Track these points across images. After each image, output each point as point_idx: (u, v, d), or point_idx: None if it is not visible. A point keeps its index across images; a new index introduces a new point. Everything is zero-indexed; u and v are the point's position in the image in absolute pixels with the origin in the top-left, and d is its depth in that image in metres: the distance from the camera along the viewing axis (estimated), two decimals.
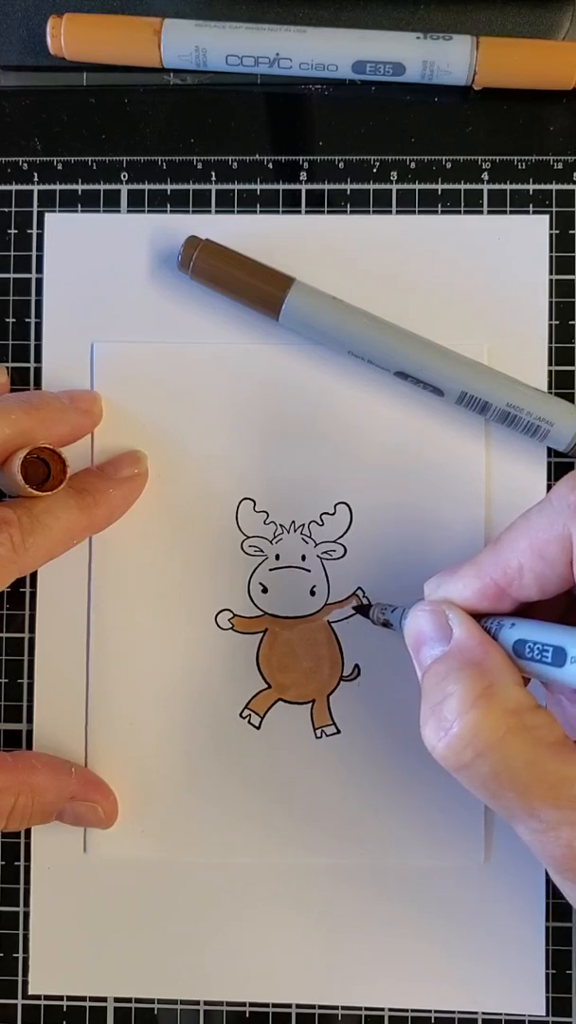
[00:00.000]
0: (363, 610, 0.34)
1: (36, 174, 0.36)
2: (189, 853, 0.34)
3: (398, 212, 0.35)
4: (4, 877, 0.35)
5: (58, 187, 0.36)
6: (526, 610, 0.28)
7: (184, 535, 0.35)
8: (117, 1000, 0.34)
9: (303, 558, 0.35)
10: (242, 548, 0.35)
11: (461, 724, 0.25)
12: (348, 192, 0.35)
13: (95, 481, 0.33)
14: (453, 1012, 0.34)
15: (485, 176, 0.35)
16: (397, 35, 0.34)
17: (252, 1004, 0.34)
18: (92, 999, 0.34)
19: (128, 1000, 0.34)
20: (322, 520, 0.35)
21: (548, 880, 0.34)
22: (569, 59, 0.34)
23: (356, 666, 0.34)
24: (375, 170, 0.35)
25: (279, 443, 0.35)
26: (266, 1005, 0.34)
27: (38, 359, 0.36)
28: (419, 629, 0.28)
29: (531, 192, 0.35)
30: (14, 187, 0.36)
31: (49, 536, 0.31)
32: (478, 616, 0.27)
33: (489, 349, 0.34)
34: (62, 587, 0.35)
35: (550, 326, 0.35)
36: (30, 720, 0.35)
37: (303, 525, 0.35)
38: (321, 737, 0.34)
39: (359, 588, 0.34)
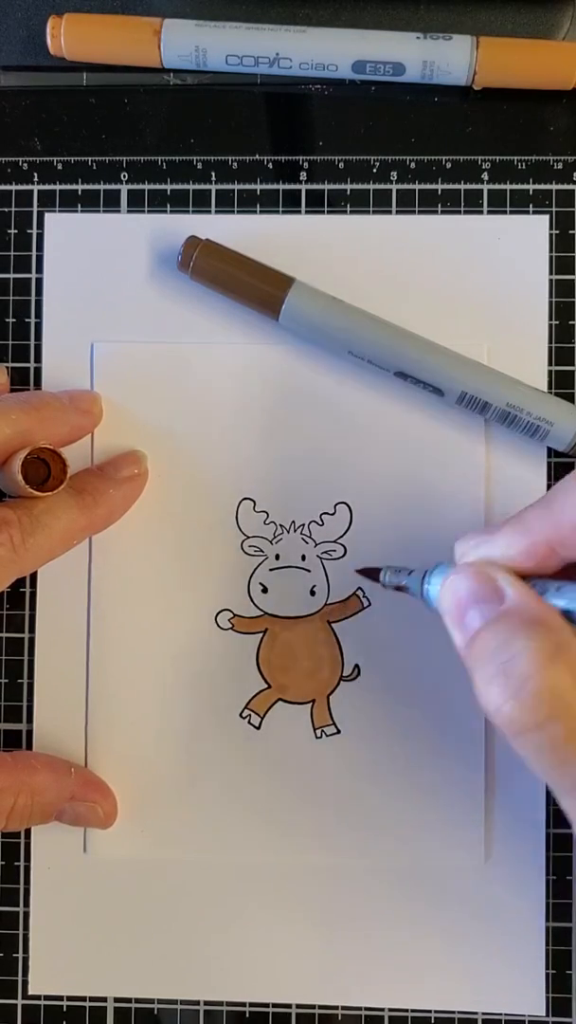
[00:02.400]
0: (371, 572, 0.31)
1: (36, 174, 0.36)
2: (189, 853, 0.34)
3: (398, 212, 0.35)
4: (4, 877, 0.35)
5: (58, 187, 0.36)
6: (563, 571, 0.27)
7: (184, 535, 0.35)
8: (117, 1000, 0.34)
9: (303, 558, 0.35)
10: (242, 548, 0.35)
11: (537, 682, 0.23)
12: (348, 192, 0.35)
13: (95, 481, 0.33)
14: (453, 1012, 0.34)
15: (485, 176, 0.35)
16: (397, 35, 0.34)
17: (252, 1004, 0.34)
18: (92, 999, 0.34)
19: (128, 1000, 0.34)
20: (322, 520, 0.35)
21: (548, 880, 0.34)
22: (569, 59, 0.34)
23: (356, 666, 0.34)
24: (375, 170, 0.35)
25: (279, 443, 0.35)
26: (266, 1005, 0.34)
27: (38, 359, 0.36)
28: (463, 591, 0.26)
29: (531, 192, 0.35)
30: (14, 187, 0.36)
31: (49, 536, 0.31)
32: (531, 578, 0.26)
33: (489, 349, 0.34)
34: (62, 587, 0.35)
35: (550, 326, 0.35)
36: (30, 720, 0.35)
37: (303, 525, 0.35)
38: (321, 737, 0.34)
39: (359, 588, 0.34)
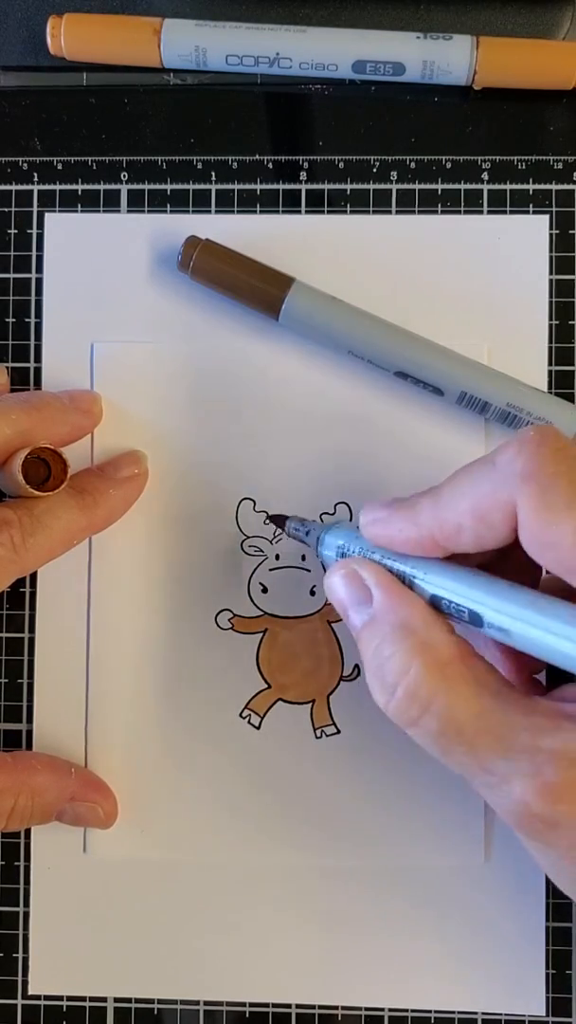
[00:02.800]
0: (278, 520, 0.33)
1: (36, 174, 0.36)
2: (189, 853, 0.34)
3: (398, 212, 0.35)
4: (4, 877, 0.35)
5: (58, 187, 0.36)
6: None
7: (184, 535, 0.35)
8: (117, 1000, 0.34)
9: (303, 558, 0.35)
10: (242, 548, 0.35)
11: (404, 685, 0.25)
12: (348, 192, 0.35)
13: (95, 481, 0.33)
14: (453, 1012, 0.34)
15: (485, 176, 0.35)
16: (397, 35, 0.34)
17: (252, 1004, 0.34)
18: (92, 999, 0.34)
19: (128, 1000, 0.34)
20: (322, 520, 0.35)
21: (548, 880, 0.34)
22: (569, 59, 0.34)
23: (356, 666, 0.34)
24: (375, 170, 0.35)
25: (279, 443, 0.35)
26: (266, 1005, 0.34)
27: (38, 359, 0.36)
28: (340, 595, 0.28)
29: (531, 192, 0.35)
30: (14, 187, 0.36)
31: (49, 536, 0.31)
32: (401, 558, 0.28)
33: (489, 349, 0.34)
34: (62, 587, 0.35)
35: (550, 326, 0.35)
36: (30, 720, 0.35)
37: None
38: (321, 737, 0.34)
39: None
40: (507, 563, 0.28)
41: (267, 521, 0.34)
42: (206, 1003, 0.34)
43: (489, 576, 0.26)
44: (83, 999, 0.34)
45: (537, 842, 0.25)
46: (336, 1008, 0.34)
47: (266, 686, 0.35)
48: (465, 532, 0.26)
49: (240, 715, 0.34)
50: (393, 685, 0.26)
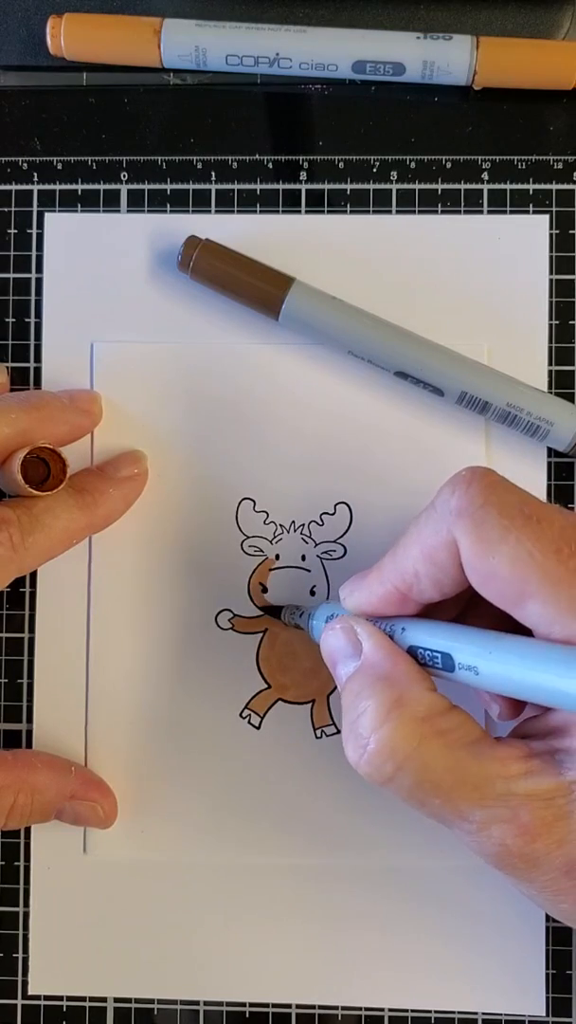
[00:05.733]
0: (272, 611, 0.34)
1: (36, 174, 0.36)
2: (189, 853, 0.34)
3: (398, 212, 0.35)
4: (4, 877, 0.35)
5: (58, 187, 0.36)
6: (432, 607, 0.28)
7: (184, 535, 0.35)
8: (117, 1000, 0.34)
9: (303, 558, 0.35)
10: (242, 548, 0.35)
11: (377, 739, 0.25)
12: (348, 192, 0.35)
13: (95, 481, 0.33)
14: (453, 1012, 0.34)
15: (485, 176, 0.35)
16: (397, 35, 0.34)
17: (252, 1004, 0.34)
18: (92, 999, 0.34)
19: (128, 1000, 0.34)
20: (322, 520, 0.35)
21: None
22: (569, 59, 0.34)
23: None
24: (375, 170, 0.35)
25: (279, 443, 0.35)
26: (266, 1005, 0.34)
27: (38, 359, 0.36)
28: (332, 647, 0.28)
29: (531, 192, 0.35)
30: (14, 187, 0.36)
31: (49, 535, 0.31)
32: (384, 618, 0.28)
33: (489, 349, 0.34)
34: (62, 587, 0.35)
35: (550, 326, 0.35)
36: (30, 720, 0.35)
37: (303, 525, 0.35)
38: (321, 737, 0.34)
39: None
40: (479, 615, 0.28)
41: (262, 610, 0.35)
42: (206, 1003, 0.34)
43: (459, 624, 0.27)
44: (83, 999, 0.34)
45: (520, 879, 0.26)
46: (336, 1008, 0.34)
47: (266, 686, 0.35)
48: (421, 578, 0.27)
49: (240, 715, 0.34)
50: (366, 739, 0.26)
